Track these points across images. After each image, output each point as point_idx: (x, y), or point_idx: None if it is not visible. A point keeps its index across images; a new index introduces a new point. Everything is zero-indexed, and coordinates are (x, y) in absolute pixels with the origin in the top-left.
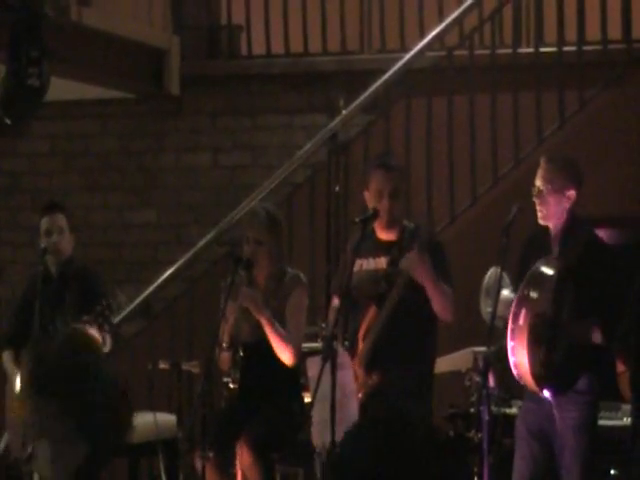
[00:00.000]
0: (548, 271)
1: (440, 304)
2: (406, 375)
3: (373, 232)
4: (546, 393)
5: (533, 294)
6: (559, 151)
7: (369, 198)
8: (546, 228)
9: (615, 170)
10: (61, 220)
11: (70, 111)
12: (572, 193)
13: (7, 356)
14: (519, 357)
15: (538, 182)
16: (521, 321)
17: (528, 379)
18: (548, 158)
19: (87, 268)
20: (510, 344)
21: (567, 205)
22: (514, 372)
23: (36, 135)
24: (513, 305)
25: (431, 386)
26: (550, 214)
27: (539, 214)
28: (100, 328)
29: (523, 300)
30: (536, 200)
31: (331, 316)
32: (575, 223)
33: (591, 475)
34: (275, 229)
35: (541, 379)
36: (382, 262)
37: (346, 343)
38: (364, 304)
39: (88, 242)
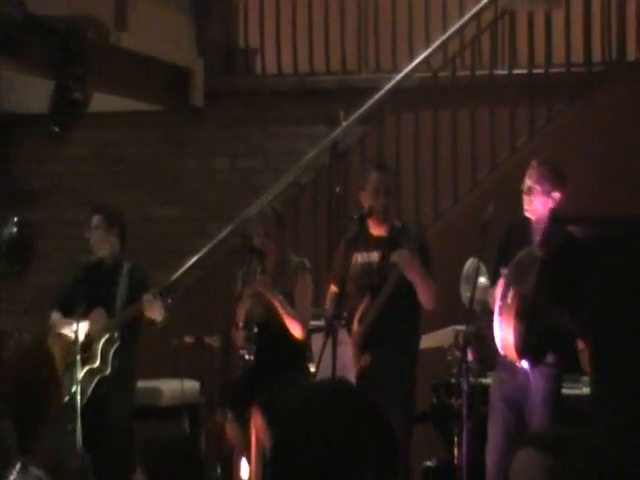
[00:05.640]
0: (533, 260)
1: (425, 296)
2: (394, 355)
3: (367, 228)
4: (524, 364)
5: (520, 278)
6: (539, 157)
7: (365, 197)
8: (525, 219)
9: (580, 176)
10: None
11: (107, 121)
12: (557, 194)
13: (56, 315)
14: (505, 331)
15: (529, 181)
16: (509, 300)
17: (511, 351)
18: (540, 161)
19: (135, 263)
20: (497, 319)
21: (552, 204)
22: (498, 344)
23: (76, 141)
24: (502, 285)
25: (416, 362)
26: (536, 210)
27: (526, 207)
28: (163, 299)
29: (512, 282)
30: (526, 196)
31: (328, 300)
32: (555, 220)
33: None
34: (280, 223)
35: (521, 351)
36: (374, 256)
37: (342, 322)
38: (359, 293)
39: None
